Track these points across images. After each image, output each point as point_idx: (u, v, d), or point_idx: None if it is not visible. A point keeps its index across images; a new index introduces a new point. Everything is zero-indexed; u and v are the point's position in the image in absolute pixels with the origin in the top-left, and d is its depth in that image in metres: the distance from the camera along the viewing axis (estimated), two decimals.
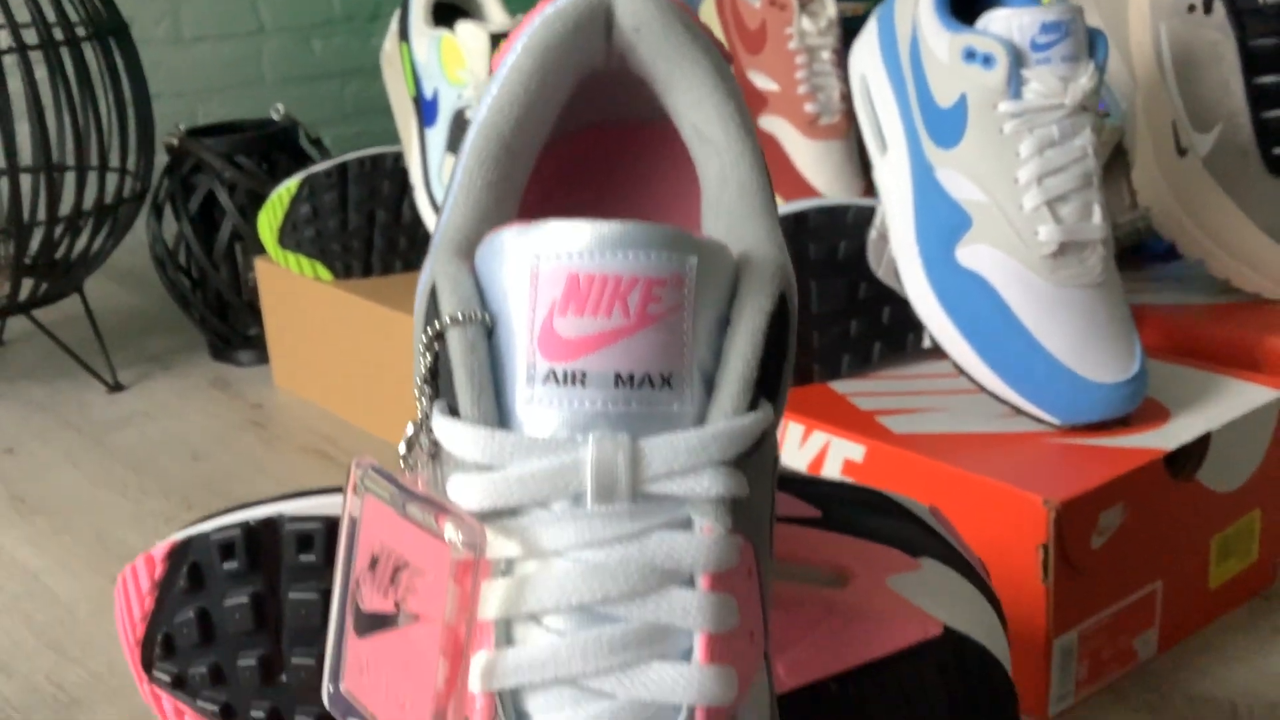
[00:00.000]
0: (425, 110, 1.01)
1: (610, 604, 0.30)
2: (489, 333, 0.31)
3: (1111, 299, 0.70)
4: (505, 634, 0.30)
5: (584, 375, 0.30)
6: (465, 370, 0.30)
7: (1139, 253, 0.98)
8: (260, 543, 0.42)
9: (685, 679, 0.30)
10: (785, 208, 0.77)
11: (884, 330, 0.80)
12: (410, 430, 0.32)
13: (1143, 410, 0.71)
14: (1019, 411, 0.71)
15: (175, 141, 1.21)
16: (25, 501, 1.01)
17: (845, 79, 1.04)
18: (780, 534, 0.41)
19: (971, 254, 0.71)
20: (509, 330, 0.31)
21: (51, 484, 1.04)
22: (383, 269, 1.09)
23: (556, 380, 0.30)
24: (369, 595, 0.32)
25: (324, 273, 1.09)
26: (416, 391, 0.32)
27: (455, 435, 0.31)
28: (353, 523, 0.33)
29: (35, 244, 1.21)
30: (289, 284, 1.13)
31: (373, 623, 0.32)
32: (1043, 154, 0.69)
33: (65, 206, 1.18)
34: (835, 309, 0.79)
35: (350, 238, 1.08)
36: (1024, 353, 0.69)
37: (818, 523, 0.41)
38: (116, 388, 1.24)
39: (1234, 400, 0.72)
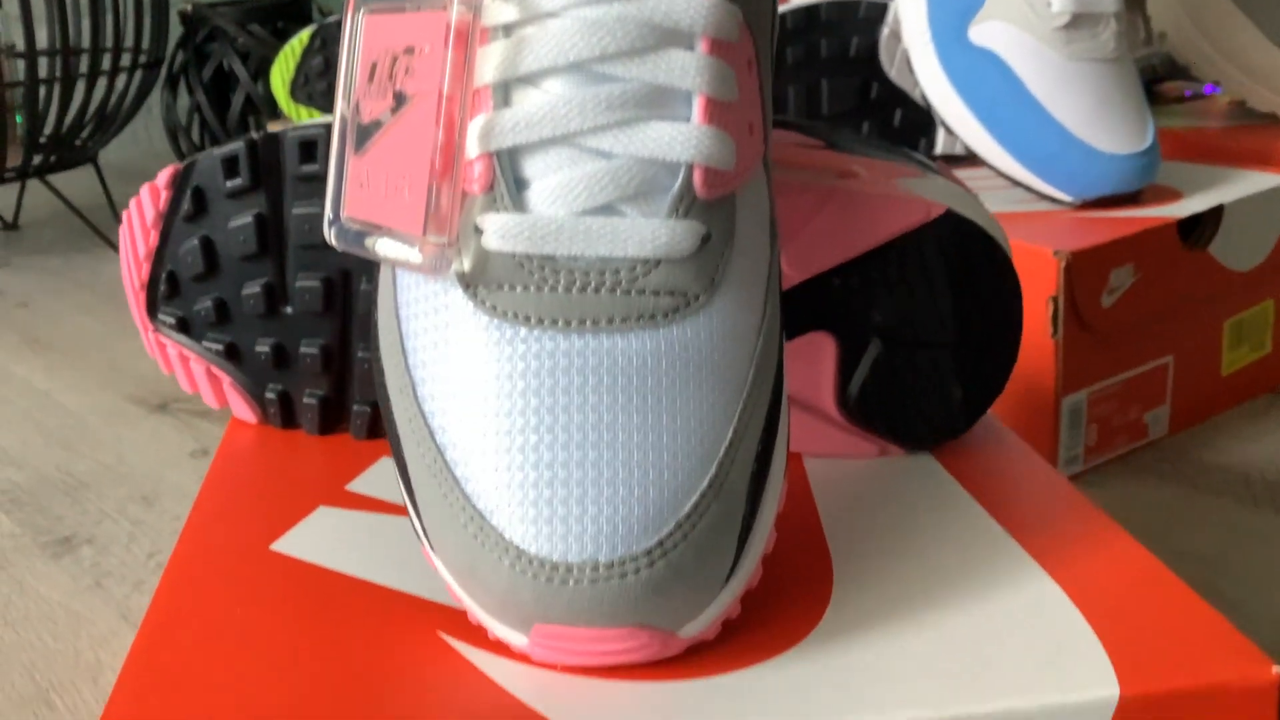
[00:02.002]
0: None
1: (608, 62, 0.29)
2: None
3: (1125, 75, 0.70)
4: (503, 97, 0.30)
5: None
6: None
7: (1153, 91, 0.98)
8: (263, 156, 0.41)
9: (684, 135, 0.30)
10: (796, 1, 0.77)
11: (896, 133, 0.80)
12: None
13: (1155, 190, 0.70)
14: (1031, 191, 0.71)
15: (189, 7, 1.21)
16: (39, 341, 1.02)
17: None
18: (782, 146, 0.40)
19: (984, 31, 0.70)
20: None
21: (66, 329, 1.05)
22: None
23: None
24: (368, 105, 0.32)
25: None
26: None
27: None
28: (352, 41, 0.33)
29: (50, 120, 1.21)
30: None
31: (371, 130, 0.32)
32: None
33: (80, 86, 1.19)
34: (846, 109, 0.78)
35: None
36: (1036, 126, 0.69)
37: (822, 147, 0.41)
38: None
39: (1247, 183, 0.71)
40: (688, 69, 0.30)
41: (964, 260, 0.38)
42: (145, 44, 1.24)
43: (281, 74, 1.10)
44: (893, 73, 0.78)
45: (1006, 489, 0.37)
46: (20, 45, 1.17)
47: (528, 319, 0.29)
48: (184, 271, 0.43)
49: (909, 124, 0.79)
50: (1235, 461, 0.66)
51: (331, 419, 0.44)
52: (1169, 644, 0.29)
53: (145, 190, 0.43)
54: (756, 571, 0.30)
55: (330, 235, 0.33)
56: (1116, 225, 0.65)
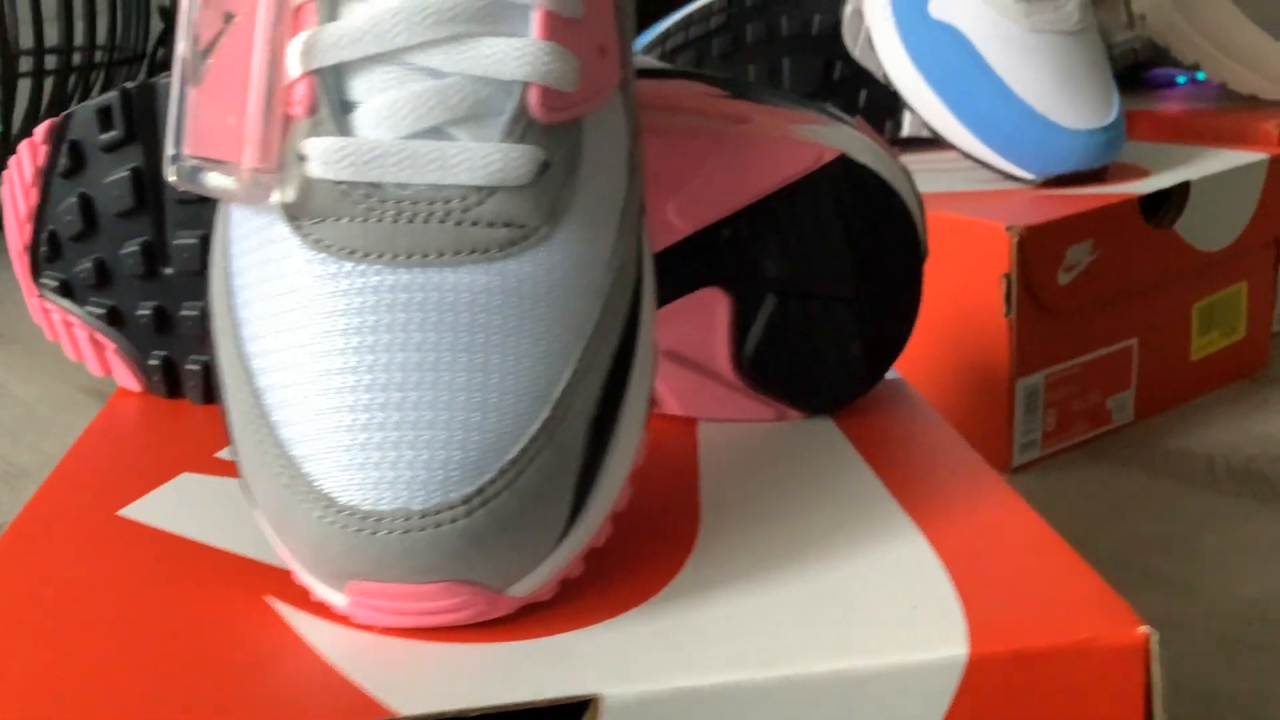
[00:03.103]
0: None
1: None
2: None
3: (1089, 48, 0.67)
4: (329, 10, 0.28)
5: None
6: None
7: (1135, 76, 0.95)
8: (138, 106, 0.40)
9: (519, 51, 0.27)
10: None
11: (860, 114, 0.77)
12: None
13: (1122, 168, 0.68)
14: (994, 170, 0.68)
15: (169, 2, 1.20)
16: (2, 335, 1.01)
17: None
18: (678, 94, 0.38)
19: (944, 6, 0.68)
20: None
21: (27, 323, 1.03)
22: None
23: None
24: (205, 29, 0.30)
25: None
26: None
27: None
28: None
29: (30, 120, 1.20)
30: None
31: (205, 56, 0.30)
32: None
33: (53, 82, 1.18)
34: (809, 89, 0.76)
35: None
36: (996, 101, 0.66)
37: (728, 97, 0.39)
38: None
39: (1216, 160, 0.69)
40: None
41: (859, 208, 0.36)
42: (126, 40, 1.23)
43: None
44: (856, 52, 0.76)
45: (900, 452, 0.35)
46: None
47: (353, 252, 0.27)
48: (64, 231, 0.42)
49: (874, 105, 0.77)
50: (1201, 448, 0.64)
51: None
52: (1035, 605, 0.26)
53: (24, 146, 0.41)
54: (602, 529, 0.28)
55: (169, 173, 0.31)
56: (1075, 201, 0.63)
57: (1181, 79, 0.96)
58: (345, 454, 0.26)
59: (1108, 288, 0.63)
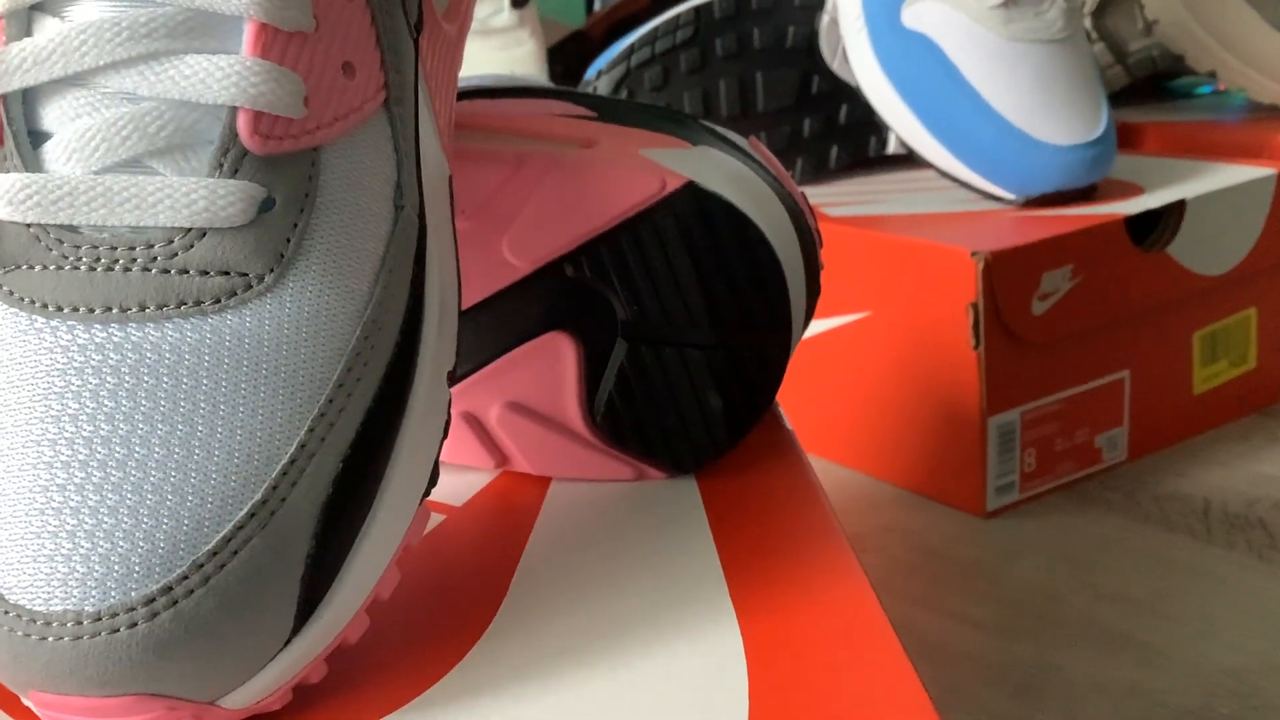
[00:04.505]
0: None
1: None
2: None
3: (1074, 57, 0.62)
4: (22, 27, 0.25)
5: None
6: None
7: (1156, 85, 0.89)
8: None
9: (223, 71, 0.24)
10: None
11: (841, 130, 0.73)
12: None
13: (1114, 186, 0.63)
14: (973, 190, 0.64)
15: None
16: None
17: None
18: (518, 109, 0.34)
19: (917, 13, 0.64)
20: None
21: None
22: None
23: None
24: None
25: None
26: None
27: None
28: None
29: None
30: None
31: None
32: None
33: None
34: (784, 105, 0.72)
35: None
36: (971, 115, 0.62)
37: (586, 117, 0.35)
38: None
39: (1218, 176, 0.63)
40: None
41: (710, 243, 0.31)
42: None
43: None
44: (834, 64, 0.71)
45: (754, 521, 0.31)
46: None
47: (44, 306, 0.24)
48: None
49: (856, 121, 0.73)
50: (1197, 490, 0.58)
51: None
52: (830, 704, 0.22)
53: None
54: (353, 624, 0.24)
55: None
56: (1053, 224, 0.58)
57: (1205, 89, 0.90)
58: (18, 546, 0.22)
59: (1091, 317, 0.58)
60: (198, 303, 0.24)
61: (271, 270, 0.24)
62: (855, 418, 0.63)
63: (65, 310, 0.24)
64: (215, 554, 0.22)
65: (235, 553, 0.22)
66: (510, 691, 0.24)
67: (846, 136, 0.73)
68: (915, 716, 0.22)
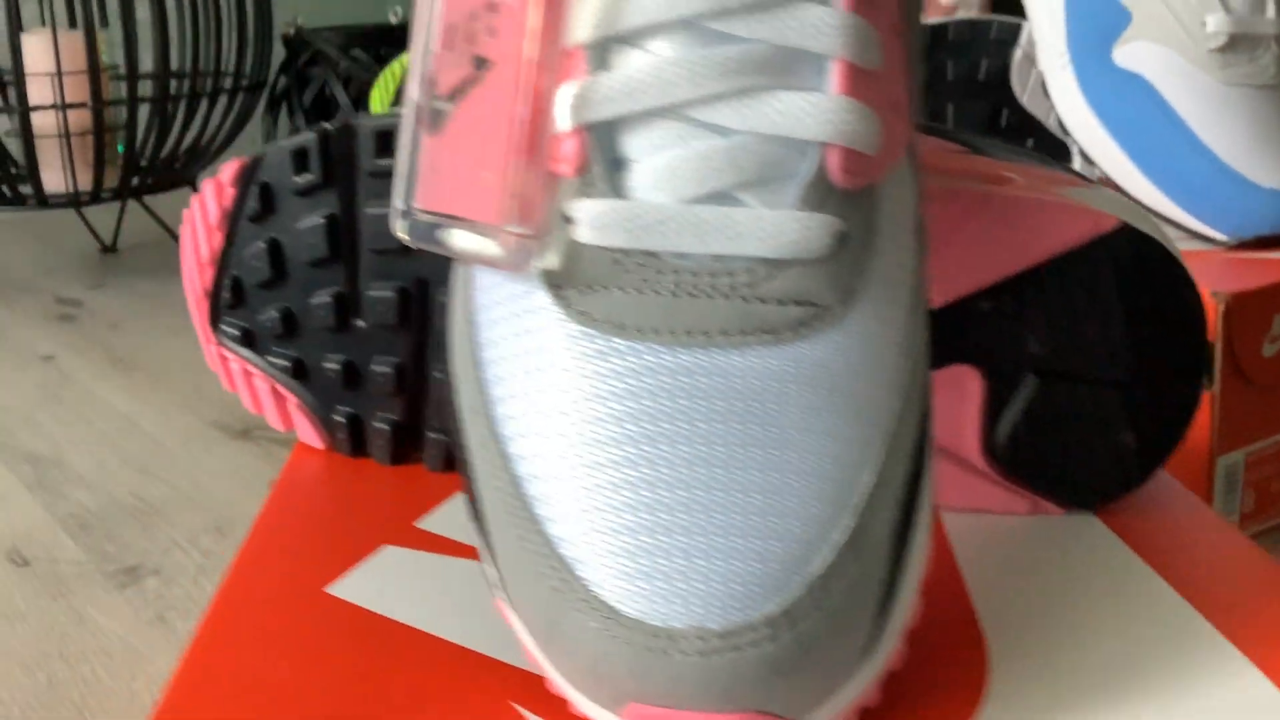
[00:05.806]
0: None
1: (727, 18, 0.24)
2: None
3: None
4: (600, 59, 0.25)
5: None
6: None
7: None
8: (336, 149, 0.37)
9: (819, 109, 0.25)
10: (925, 21, 0.72)
11: None
12: None
13: None
14: (1180, 228, 0.64)
15: (292, 31, 1.20)
16: (125, 362, 1.00)
17: None
18: (928, 149, 0.35)
19: (1130, 53, 0.65)
20: None
21: (153, 351, 1.02)
22: None
23: None
24: (446, 76, 0.27)
25: None
26: None
27: None
28: (429, 7, 0.28)
29: (149, 142, 1.20)
30: None
31: (448, 105, 0.27)
32: None
33: (181, 108, 1.17)
34: None
35: None
36: (1186, 155, 0.62)
37: (966, 153, 0.36)
38: None
39: None
40: (823, 27, 0.25)
41: (1142, 282, 0.32)
42: (248, 67, 1.22)
43: (381, 97, 1.07)
44: (1025, 98, 0.72)
45: (1181, 552, 0.31)
46: (123, 68, 1.16)
47: (624, 328, 0.24)
48: (249, 278, 0.39)
49: (1043, 154, 0.73)
50: None
51: (404, 447, 0.40)
52: None
53: (209, 186, 0.39)
54: (899, 650, 0.25)
55: (399, 228, 0.28)
56: (1277, 267, 0.59)
57: None
58: (628, 560, 0.23)
59: None
60: (775, 330, 0.24)
61: (841, 301, 0.25)
62: None
63: (646, 332, 0.24)
64: (822, 577, 0.23)
65: (837, 577, 0.23)
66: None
67: None
68: None
